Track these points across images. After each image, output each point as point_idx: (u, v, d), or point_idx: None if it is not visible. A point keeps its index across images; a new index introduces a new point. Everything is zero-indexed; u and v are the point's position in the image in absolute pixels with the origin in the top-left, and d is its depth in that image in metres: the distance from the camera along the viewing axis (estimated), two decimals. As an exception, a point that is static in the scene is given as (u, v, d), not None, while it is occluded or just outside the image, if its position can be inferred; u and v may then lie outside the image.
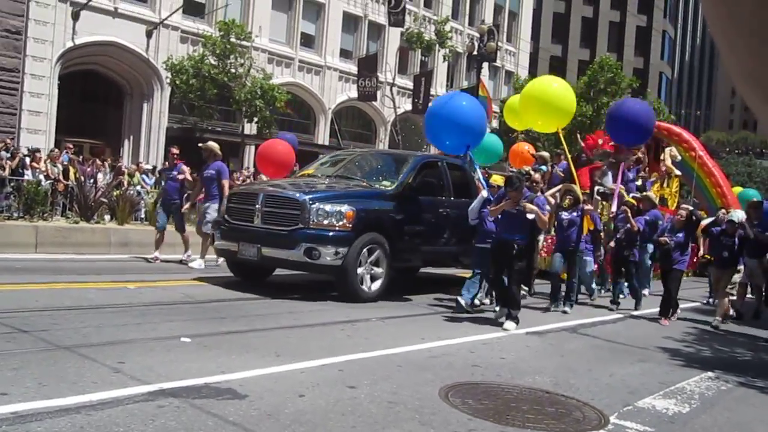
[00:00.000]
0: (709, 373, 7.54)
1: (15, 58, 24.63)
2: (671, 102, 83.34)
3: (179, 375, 5.25)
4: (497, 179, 10.78)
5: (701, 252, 15.66)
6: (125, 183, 19.73)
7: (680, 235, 11.41)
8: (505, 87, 46.70)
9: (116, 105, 30.35)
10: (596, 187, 14.65)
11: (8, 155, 18.37)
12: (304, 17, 35.39)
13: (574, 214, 11.46)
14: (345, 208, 9.84)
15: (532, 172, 12.97)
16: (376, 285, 10.31)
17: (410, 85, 36.96)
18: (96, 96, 29.20)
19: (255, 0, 32.60)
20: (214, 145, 13.29)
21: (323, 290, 10.38)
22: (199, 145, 13.75)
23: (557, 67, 61.21)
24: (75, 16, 26.42)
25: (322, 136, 36.58)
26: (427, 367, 6.47)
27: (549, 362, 7.34)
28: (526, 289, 11.86)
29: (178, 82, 27.32)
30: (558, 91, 13.25)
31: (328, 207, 9.77)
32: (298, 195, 10.01)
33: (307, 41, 35.87)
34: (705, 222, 14.26)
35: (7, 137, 21.88)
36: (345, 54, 37.64)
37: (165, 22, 28.62)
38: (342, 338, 7.55)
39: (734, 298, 12.82)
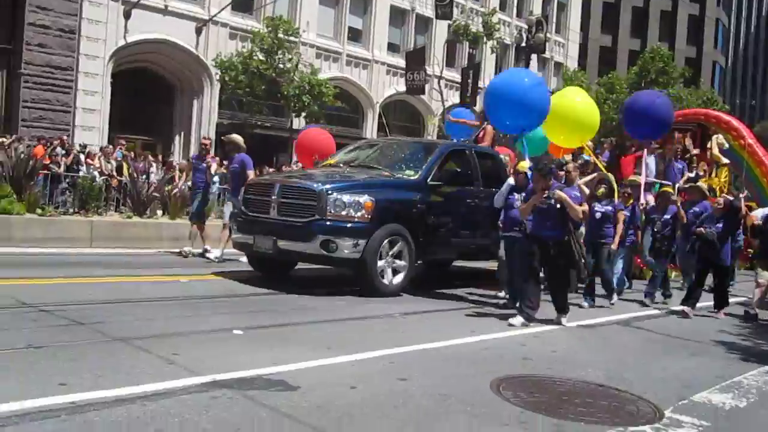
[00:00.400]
0: (767, 367, 7.36)
1: (69, 56, 25.12)
2: (725, 92, 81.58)
3: (231, 366, 5.29)
4: (524, 165, 9.84)
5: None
6: (176, 179, 20.01)
7: (720, 225, 10.80)
8: (555, 78, 46.18)
9: (167, 102, 30.79)
10: (632, 177, 14.14)
11: (63, 152, 18.77)
12: (351, 12, 35.44)
13: (609, 207, 10.94)
14: (364, 198, 9.44)
15: (569, 161, 12.52)
16: (399, 279, 9.88)
17: (458, 77, 36.76)
18: (147, 93, 29.65)
19: (302, -5, 32.74)
20: (237, 137, 13.08)
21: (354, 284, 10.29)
22: (222, 138, 13.59)
23: (607, 58, 60.40)
24: (127, 15, 26.86)
25: (370, 130, 36.63)
26: (477, 359, 6.43)
27: (601, 355, 7.24)
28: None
29: (227, 79, 27.60)
30: (582, 107, 12.63)
31: (345, 197, 9.38)
32: (314, 185, 9.64)
33: (355, 35, 35.93)
34: (756, 213, 13.73)
35: (63, 134, 22.35)
36: (392, 48, 37.61)
37: (214, 19, 28.92)
38: (389, 331, 7.55)
39: None
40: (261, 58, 27.69)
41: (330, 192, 9.40)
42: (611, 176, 11.29)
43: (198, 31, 29.17)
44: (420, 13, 38.47)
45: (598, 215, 10.79)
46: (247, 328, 6.84)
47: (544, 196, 8.47)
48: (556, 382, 5.88)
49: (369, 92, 36.24)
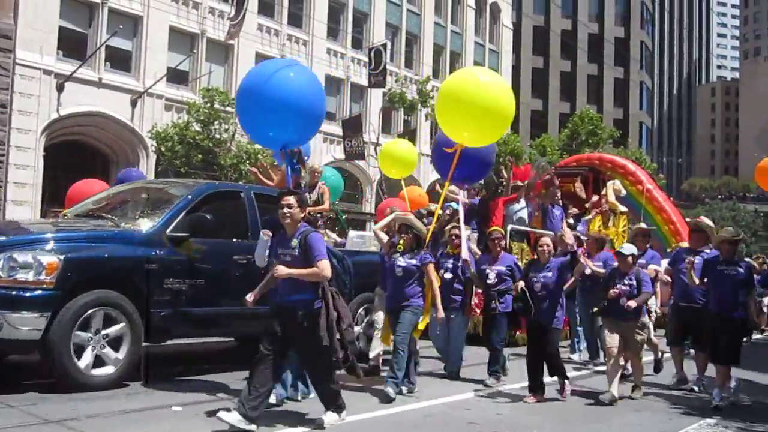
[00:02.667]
0: (709, 420, 7.47)
1: (0, 131, 24.72)
2: (652, 151, 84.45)
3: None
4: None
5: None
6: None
7: (549, 274, 8.27)
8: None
9: (102, 174, 30.29)
10: (510, 226, 12.35)
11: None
12: (287, 81, 35.79)
13: (413, 261, 8.13)
14: (47, 257, 6.97)
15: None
16: (108, 368, 7.22)
17: (394, 143, 37.25)
18: (82, 166, 29.19)
19: (238, 66, 32.97)
20: None
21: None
22: None
23: (538, 121, 62.11)
24: (60, 88, 26.61)
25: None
26: (422, 425, 6.39)
27: (546, 416, 7.26)
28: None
29: (163, 149, 27.46)
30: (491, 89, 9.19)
31: (20, 256, 6.92)
32: None
33: (291, 104, 36.22)
34: (624, 249, 8.92)
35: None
36: (329, 116, 37.97)
37: (149, 91, 28.88)
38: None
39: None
40: (197, 128, 27.67)
41: None
42: (416, 221, 8.53)
43: (133, 104, 29.04)
44: (355, 81, 39.05)
45: (399, 272, 8.15)
46: (194, 403, 6.70)
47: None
48: (503, 445, 5.87)
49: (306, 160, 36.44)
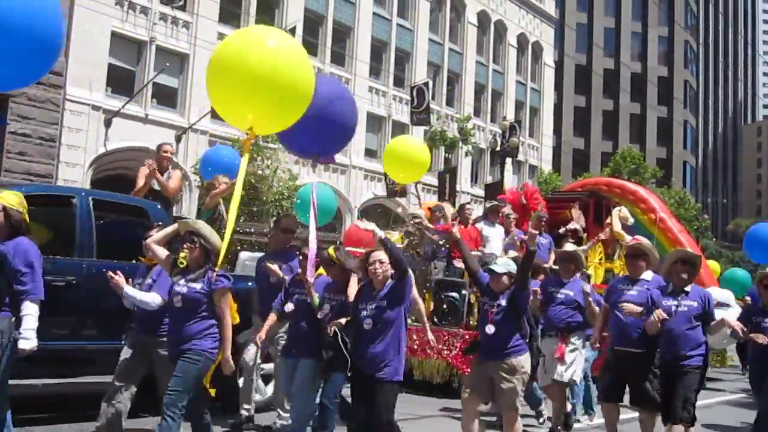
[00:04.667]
0: None
1: (49, 164, 25.25)
2: (697, 191, 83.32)
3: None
4: None
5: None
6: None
7: (383, 304, 5.91)
8: (530, 181, 47.00)
9: (146, 208, 30.83)
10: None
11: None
12: (329, 118, 36.13)
13: (197, 285, 5.76)
14: None
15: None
16: None
17: (435, 181, 37.25)
18: (126, 200, 29.69)
19: (281, 103, 33.44)
20: None
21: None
22: None
23: (580, 160, 61.76)
24: (107, 123, 27.19)
25: (349, 233, 36.73)
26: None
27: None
28: None
29: (206, 185, 27.79)
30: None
31: None
32: None
33: (333, 142, 36.52)
34: (497, 268, 6.63)
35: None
36: (370, 153, 38.22)
37: (194, 126, 29.33)
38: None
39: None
40: (240, 164, 27.96)
41: None
42: (207, 229, 6.06)
43: (178, 139, 29.48)
44: (396, 119, 39.27)
45: (177, 301, 5.84)
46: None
47: None
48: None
49: (347, 197, 36.58)
